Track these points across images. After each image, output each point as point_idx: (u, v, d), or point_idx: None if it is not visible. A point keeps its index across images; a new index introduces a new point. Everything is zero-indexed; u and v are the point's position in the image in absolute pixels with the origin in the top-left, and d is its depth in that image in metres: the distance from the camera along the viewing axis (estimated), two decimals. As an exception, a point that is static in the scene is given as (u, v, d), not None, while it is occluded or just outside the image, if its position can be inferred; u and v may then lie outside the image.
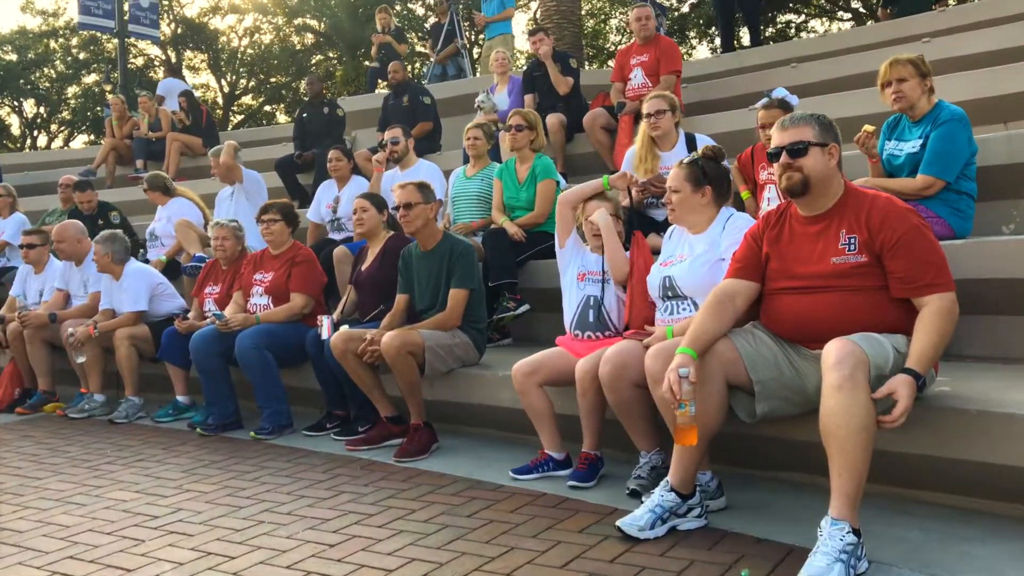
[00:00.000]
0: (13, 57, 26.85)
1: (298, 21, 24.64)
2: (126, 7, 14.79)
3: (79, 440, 4.81)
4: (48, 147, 27.52)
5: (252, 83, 25.58)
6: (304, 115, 8.44)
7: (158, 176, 6.89)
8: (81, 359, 5.28)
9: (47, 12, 26.19)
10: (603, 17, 23.82)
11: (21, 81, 26.62)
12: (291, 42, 25.75)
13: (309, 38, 25.29)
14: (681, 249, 3.29)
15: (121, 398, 5.49)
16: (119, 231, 5.64)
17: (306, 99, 8.82)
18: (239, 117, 27.27)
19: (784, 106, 4.13)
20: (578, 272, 3.64)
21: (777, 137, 2.74)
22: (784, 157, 2.68)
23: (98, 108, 27.12)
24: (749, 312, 2.86)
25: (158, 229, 6.67)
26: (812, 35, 21.19)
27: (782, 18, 22.36)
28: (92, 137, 27.91)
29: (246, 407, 4.91)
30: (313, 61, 25.60)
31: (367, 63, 11.13)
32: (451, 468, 3.72)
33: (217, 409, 4.75)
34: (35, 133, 29.48)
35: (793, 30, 22.66)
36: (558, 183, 5.06)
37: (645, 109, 4.50)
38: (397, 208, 4.28)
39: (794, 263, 2.72)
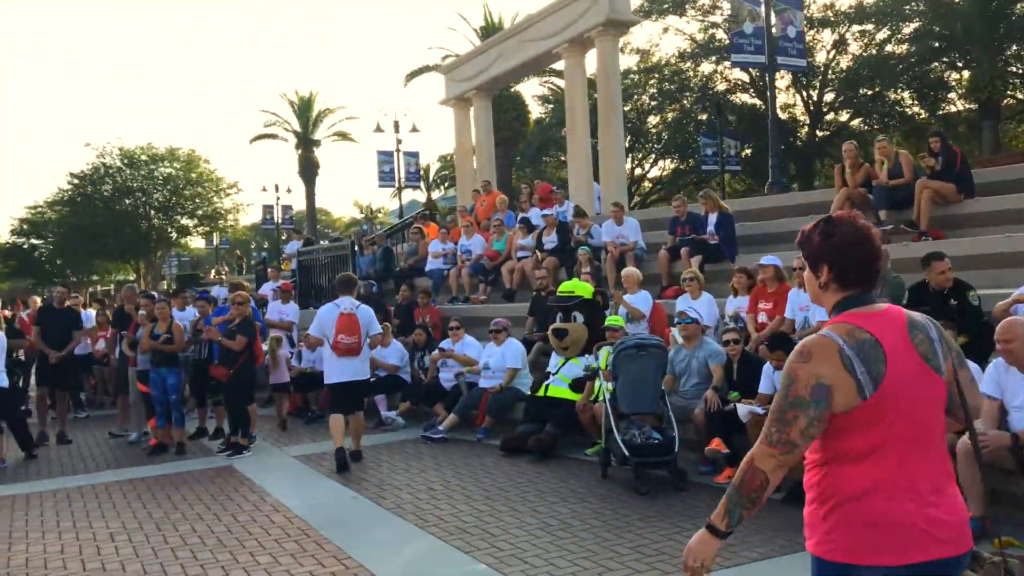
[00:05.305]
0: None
1: (909, 28, 22.47)
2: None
3: None
4: (631, 173, 29.79)
5: (841, 98, 24.19)
6: None
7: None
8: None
9: (641, 50, 28.38)
10: None
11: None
12: (887, 51, 23.69)
13: (903, 48, 22.91)
14: None
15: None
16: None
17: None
18: (822, 133, 26.30)
19: None
20: None
21: None
22: None
23: (678, 136, 28.59)
24: None
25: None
26: None
27: None
28: (676, 164, 29.65)
29: None
30: (917, 69, 23.11)
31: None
32: None
33: None
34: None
35: None
36: None
37: None
38: None
39: None
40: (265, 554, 5.54)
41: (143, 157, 45.81)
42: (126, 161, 45.49)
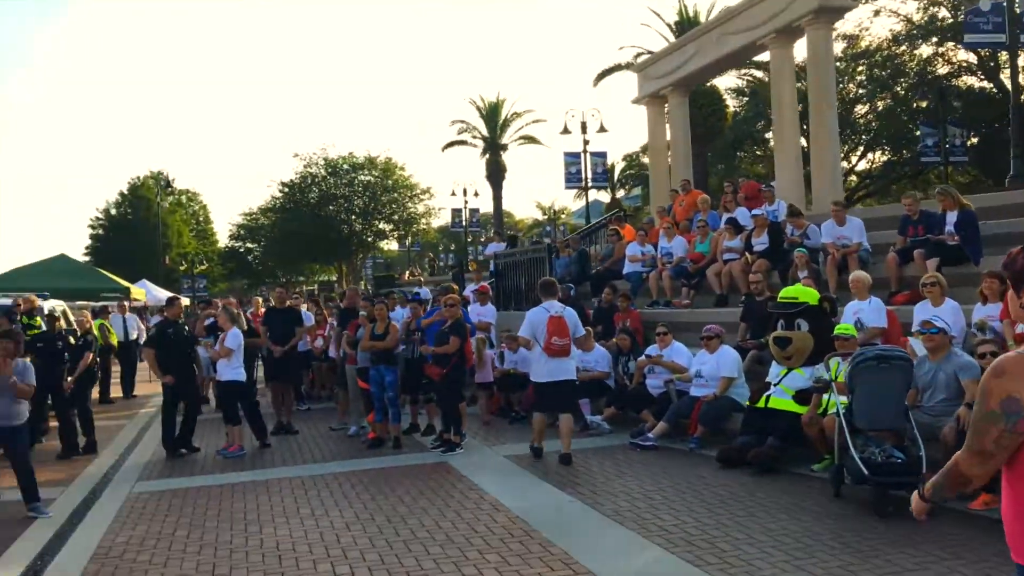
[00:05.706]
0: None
1: None
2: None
3: None
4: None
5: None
6: None
7: None
8: None
9: (848, 35, 26.58)
10: None
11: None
12: None
13: None
14: None
15: None
16: None
17: None
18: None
19: None
20: None
21: None
22: None
23: (891, 126, 26.51)
24: None
25: None
26: None
27: None
28: (887, 157, 27.56)
29: None
30: None
31: None
32: None
33: None
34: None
35: None
36: None
37: None
38: None
39: None
40: (492, 553, 5.61)
41: (344, 166, 49.00)
42: (329, 170, 48.83)
